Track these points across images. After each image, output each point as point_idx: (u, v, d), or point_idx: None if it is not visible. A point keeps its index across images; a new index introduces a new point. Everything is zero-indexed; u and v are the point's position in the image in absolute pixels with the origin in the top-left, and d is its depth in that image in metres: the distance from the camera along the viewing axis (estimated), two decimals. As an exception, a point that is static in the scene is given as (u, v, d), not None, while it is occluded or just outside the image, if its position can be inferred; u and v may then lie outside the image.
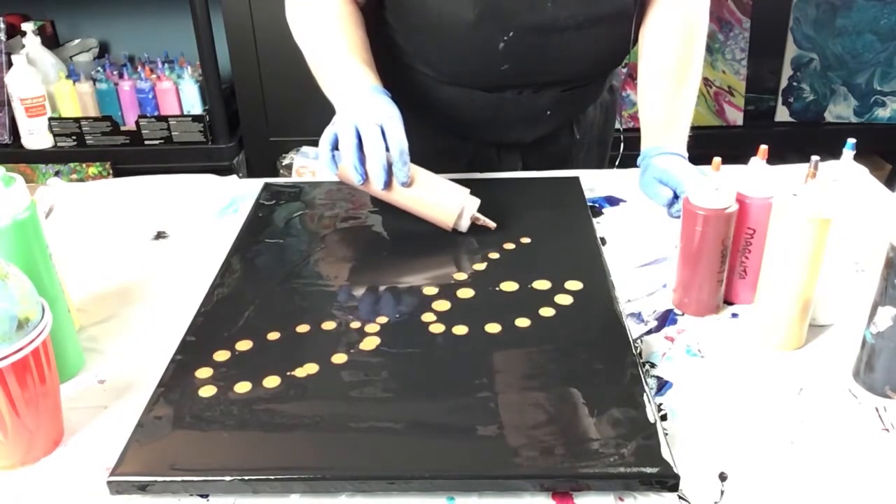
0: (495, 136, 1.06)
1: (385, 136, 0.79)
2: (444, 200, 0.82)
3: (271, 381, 0.62)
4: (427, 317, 0.70)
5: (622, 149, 1.15)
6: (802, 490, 0.54)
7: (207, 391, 0.61)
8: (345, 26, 0.90)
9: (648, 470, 0.53)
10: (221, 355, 0.66)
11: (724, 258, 0.71)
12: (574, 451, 0.54)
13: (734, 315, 0.73)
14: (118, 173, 2.02)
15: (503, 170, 1.07)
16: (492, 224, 0.83)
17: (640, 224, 0.90)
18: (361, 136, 0.80)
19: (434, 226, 0.85)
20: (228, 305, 0.73)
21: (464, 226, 0.83)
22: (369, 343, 0.67)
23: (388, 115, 0.80)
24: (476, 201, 0.83)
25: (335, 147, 0.82)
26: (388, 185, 0.81)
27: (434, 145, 1.08)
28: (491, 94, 0.98)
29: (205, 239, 0.89)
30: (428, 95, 1.02)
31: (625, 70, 1.08)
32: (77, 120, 1.98)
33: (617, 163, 1.13)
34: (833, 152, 0.73)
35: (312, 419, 0.58)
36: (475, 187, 0.98)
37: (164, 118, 1.97)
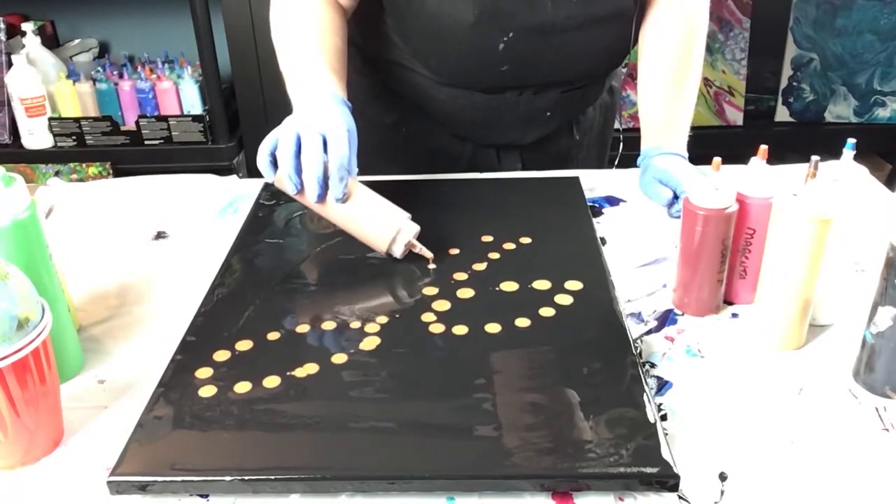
0: (495, 138, 1.06)
1: (327, 147, 0.75)
2: (379, 222, 0.78)
3: (271, 381, 0.62)
4: (427, 317, 0.70)
5: (621, 149, 1.15)
6: (802, 490, 0.54)
7: (207, 391, 0.61)
8: (321, 32, 0.87)
9: (648, 470, 0.53)
10: (221, 355, 0.66)
11: (724, 258, 0.71)
12: (574, 451, 0.54)
13: (734, 315, 0.73)
14: (118, 173, 2.02)
15: (503, 170, 1.07)
16: (429, 254, 0.78)
17: (640, 224, 0.90)
18: (301, 144, 0.75)
19: (436, 229, 0.84)
20: (228, 305, 0.73)
21: (397, 252, 0.78)
22: (369, 343, 0.67)
23: (335, 126, 0.76)
24: (414, 228, 0.78)
25: (275, 152, 0.77)
26: (322, 198, 0.76)
27: (433, 146, 1.08)
28: (490, 95, 0.98)
29: (205, 239, 0.89)
30: (427, 96, 1.02)
31: (625, 70, 1.08)
32: (77, 120, 1.98)
33: (616, 163, 1.13)
34: (833, 152, 0.73)
35: (312, 419, 0.58)
36: (475, 187, 0.98)
37: (164, 118, 1.97)
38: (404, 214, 0.79)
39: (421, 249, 0.78)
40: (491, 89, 0.98)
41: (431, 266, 0.78)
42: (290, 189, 0.76)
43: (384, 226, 0.78)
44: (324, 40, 0.87)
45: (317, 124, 0.76)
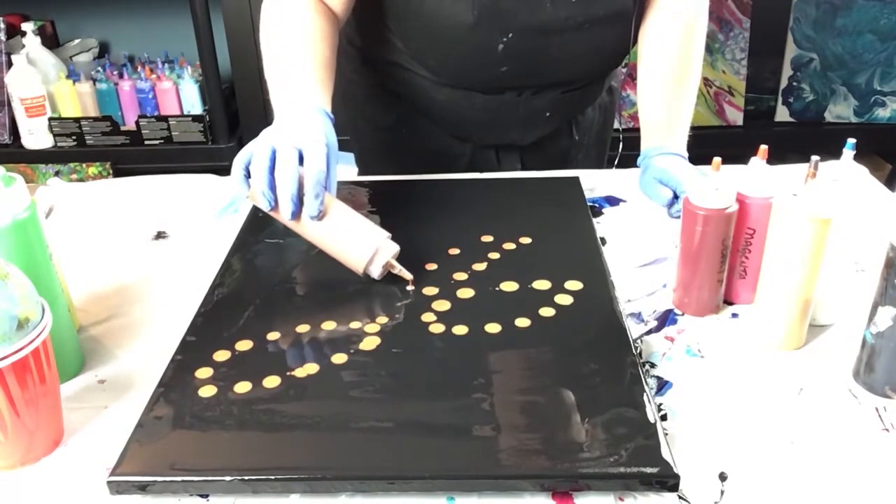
0: (494, 138, 1.06)
1: (304, 162, 0.72)
2: (356, 241, 0.74)
3: (271, 381, 0.62)
4: (427, 317, 0.70)
5: (621, 149, 1.15)
6: (802, 490, 0.54)
7: (207, 391, 0.61)
8: (309, 41, 0.85)
9: (648, 470, 0.53)
10: (221, 355, 0.66)
11: (724, 258, 0.71)
12: (574, 451, 0.54)
13: (734, 315, 0.73)
14: (118, 173, 2.02)
15: (502, 171, 1.07)
16: (408, 276, 0.74)
17: (640, 224, 0.90)
18: (276, 159, 0.72)
19: (436, 229, 0.84)
20: (228, 305, 0.73)
21: (375, 272, 0.75)
22: (369, 343, 0.67)
23: (313, 140, 0.73)
24: (393, 248, 0.75)
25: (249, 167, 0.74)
26: (296, 216, 0.73)
27: (433, 146, 1.08)
28: (490, 95, 0.98)
29: (205, 239, 0.89)
30: (427, 97, 1.02)
31: (624, 70, 1.08)
32: (77, 120, 1.98)
33: (616, 163, 1.13)
34: (833, 152, 0.73)
35: (312, 419, 0.58)
36: (475, 187, 0.98)
37: (164, 118, 1.97)
38: (383, 234, 0.75)
39: (400, 270, 0.75)
40: (490, 90, 0.98)
41: (410, 288, 0.74)
42: (264, 205, 0.73)
43: (361, 245, 0.74)
44: (311, 49, 0.84)
45: (293, 138, 0.73)
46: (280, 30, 0.86)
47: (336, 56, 0.89)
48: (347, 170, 1.85)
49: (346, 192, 0.95)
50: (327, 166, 0.74)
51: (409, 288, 0.75)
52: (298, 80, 0.82)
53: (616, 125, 1.19)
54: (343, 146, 1.42)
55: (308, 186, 0.71)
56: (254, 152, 0.73)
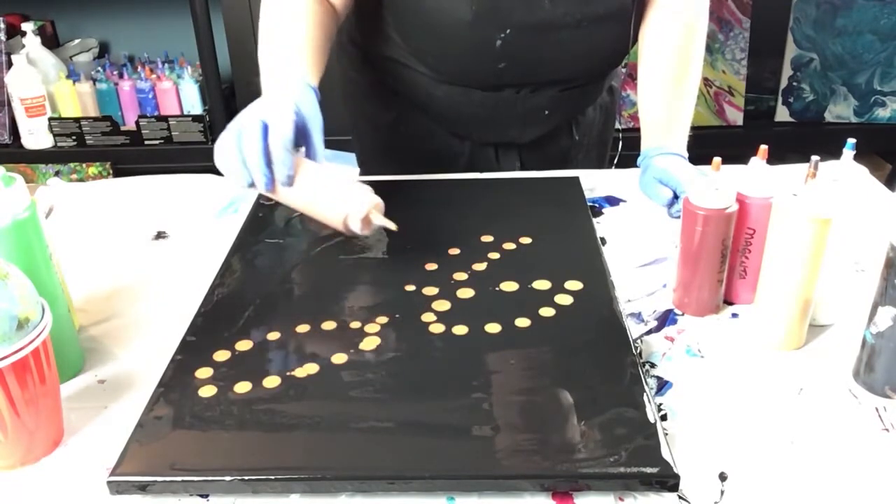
0: (493, 136, 1.06)
1: (270, 130, 0.73)
2: (333, 197, 0.75)
3: (271, 381, 0.62)
4: (427, 317, 0.70)
5: (621, 148, 1.15)
6: (802, 490, 0.54)
7: (207, 391, 0.61)
8: (303, 25, 0.85)
9: (648, 470, 0.53)
10: (221, 355, 0.66)
11: (724, 258, 0.71)
12: (574, 451, 0.54)
13: (734, 315, 0.73)
14: (118, 173, 2.02)
15: (501, 169, 1.07)
16: (391, 225, 0.75)
17: (640, 224, 0.90)
18: (241, 135, 0.74)
19: (436, 229, 0.84)
20: (228, 305, 0.73)
21: (355, 225, 0.74)
22: (369, 343, 0.67)
23: (280, 109, 0.74)
24: (372, 200, 0.74)
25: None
26: (270, 185, 0.74)
27: (432, 144, 1.08)
28: (488, 92, 0.98)
29: (205, 239, 0.88)
30: (426, 94, 1.02)
31: (624, 70, 1.08)
32: (77, 120, 1.98)
33: (616, 163, 1.13)
34: (833, 152, 0.73)
35: (312, 419, 0.58)
36: (475, 187, 0.98)
37: (164, 118, 1.97)
38: (362, 187, 0.75)
39: (381, 220, 0.74)
40: (489, 87, 0.98)
41: (393, 227, 0.74)
42: (241, 182, 0.74)
43: (338, 200, 0.74)
44: (302, 32, 0.85)
45: (258, 112, 0.75)
46: (275, 16, 0.87)
47: (330, 43, 0.89)
48: (349, 170, 1.86)
49: (347, 192, 0.95)
50: (309, 137, 0.75)
51: (393, 228, 0.74)
52: (284, 58, 0.83)
53: (616, 125, 1.19)
54: (345, 146, 1.42)
55: (273, 154, 0.72)
56: (224, 137, 0.75)
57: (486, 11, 0.88)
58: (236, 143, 0.74)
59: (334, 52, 1.12)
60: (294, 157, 0.74)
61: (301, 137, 0.77)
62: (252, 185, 0.74)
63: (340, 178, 0.76)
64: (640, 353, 0.68)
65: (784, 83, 2.03)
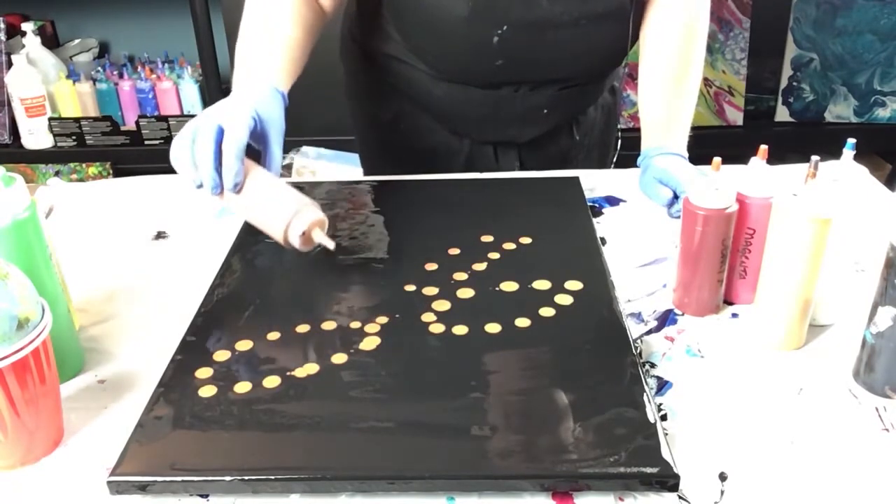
0: (492, 134, 1.06)
1: (224, 134, 0.73)
2: (275, 208, 0.74)
3: (271, 381, 0.62)
4: (427, 317, 0.70)
5: (619, 148, 1.15)
6: (802, 490, 0.54)
7: (207, 391, 0.61)
8: (282, 23, 0.84)
9: (648, 470, 0.53)
10: (221, 355, 0.66)
11: (724, 258, 0.71)
12: (574, 451, 0.54)
13: (734, 315, 0.73)
14: (118, 173, 2.02)
15: (501, 168, 1.07)
16: (330, 244, 0.74)
17: (640, 224, 0.90)
18: (195, 137, 0.73)
19: (436, 229, 0.84)
20: (228, 305, 0.73)
21: (295, 241, 0.74)
22: (369, 343, 0.67)
23: (236, 114, 0.73)
24: (315, 215, 0.74)
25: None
26: (218, 190, 0.73)
27: (431, 142, 1.08)
28: (487, 90, 0.98)
29: (205, 239, 0.88)
30: (424, 92, 1.02)
31: (625, 70, 1.08)
32: (77, 120, 1.98)
33: (616, 162, 1.13)
34: (833, 152, 0.73)
35: (312, 419, 0.58)
36: (475, 187, 0.98)
37: (164, 118, 1.97)
38: (304, 200, 0.75)
39: (322, 238, 0.74)
40: (487, 84, 0.98)
41: (331, 246, 0.74)
42: (191, 183, 0.74)
43: (280, 211, 0.74)
44: (280, 31, 0.84)
45: (216, 114, 0.74)
46: (258, 12, 0.87)
47: (312, 44, 0.89)
48: (352, 170, 1.86)
49: (347, 192, 0.95)
50: (267, 143, 0.75)
51: (331, 246, 0.74)
52: (258, 59, 0.82)
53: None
54: (347, 145, 1.42)
55: (224, 159, 0.72)
56: (178, 136, 0.75)
57: (483, 8, 0.88)
58: (190, 143, 0.73)
59: (337, 48, 1.13)
60: (245, 164, 0.73)
61: (260, 143, 0.77)
62: (201, 186, 0.74)
63: (289, 191, 0.75)
64: (640, 353, 0.68)
65: (784, 83, 2.03)
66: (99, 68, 2.03)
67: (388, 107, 1.08)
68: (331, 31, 0.94)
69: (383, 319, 0.70)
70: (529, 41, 0.92)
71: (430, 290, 0.74)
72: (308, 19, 0.88)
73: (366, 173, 1.19)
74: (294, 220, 0.73)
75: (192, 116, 1.94)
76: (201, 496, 0.54)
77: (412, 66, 1.00)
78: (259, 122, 0.76)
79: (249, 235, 0.86)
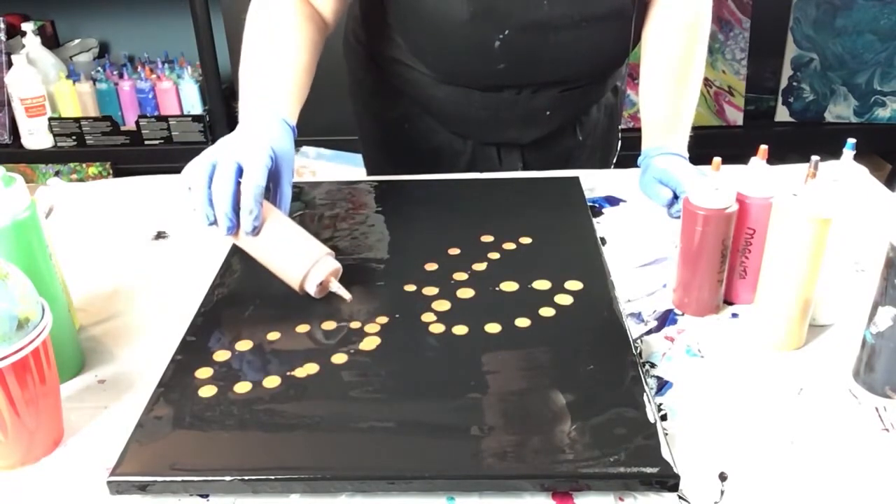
0: (495, 136, 1.06)
1: (244, 175, 0.70)
2: (293, 256, 0.72)
3: (271, 381, 0.62)
4: (427, 317, 0.70)
5: (619, 148, 1.15)
6: (802, 490, 0.54)
7: (207, 391, 0.61)
8: (288, 46, 0.83)
9: (648, 470, 0.53)
10: (221, 355, 0.66)
11: (724, 258, 0.71)
12: (574, 451, 0.54)
13: (734, 315, 0.73)
14: (118, 173, 2.02)
15: (504, 169, 1.07)
16: (347, 296, 0.72)
17: (640, 224, 0.90)
18: (214, 174, 0.70)
19: (436, 229, 0.84)
20: (228, 305, 0.73)
21: (312, 289, 0.72)
22: (369, 343, 0.67)
23: (256, 154, 0.71)
24: (332, 265, 0.72)
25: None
26: (233, 231, 0.71)
27: (435, 143, 1.08)
28: (488, 93, 0.98)
29: (205, 239, 0.88)
30: (427, 94, 1.02)
31: (625, 70, 1.08)
32: (77, 120, 1.98)
33: (616, 162, 1.13)
34: (833, 152, 0.73)
35: (312, 419, 0.58)
36: (476, 187, 0.98)
37: (164, 118, 1.97)
38: (323, 250, 0.73)
39: (339, 289, 0.72)
40: (489, 87, 0.98)
41: (348, 298, 0.71)
42: (203, 221, 0.71)
43: (298, 259, 0.72)
44: (286, 56, 0.82)
45: (235, 151, 0.71)
46: (259, 33, 0.85)
47: (315, 62, 0.87)
48: (352, 170, 1.86)
49: (347, 192, 0.95)
50: (279, 181, 0.73)
51: (347, 299, 0.72)
52: (266, 87, 0.80)
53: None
54: (347, 145, 1.42)
55: (242, 202, 0.70)
56: (195, 166, 0.72)
57: (484, 12, 0.88)
58: (206, 178, 0.70)
59: (338, 49, 1.13)
60: (263, 207, 0.71)
61: (272, 179, 0.74)
62: (214, 223, 0.71)
63: (306, 239, 0.73)
64: (640, 353, 0.68)
65: (784, 83, 2.03)
66: (99, 68, 2.03)
67: (391, 108, 1.08)
68: (333, 32, 0.94)
69: (383, 319, 0.70)
70: (531, 44, 0.92)
71: (430, 290, 0.74)
72: (313, 38, 0.86)
73: (369, 173, 1.19)
74: (312, 270, 0.71)
75: (192, 116, 1.95)
76: (201, 496, 0.54)
77: (414, 69, 1.00)
78: (275, 160, 0.73)
79: (249, 235, 0.86)
